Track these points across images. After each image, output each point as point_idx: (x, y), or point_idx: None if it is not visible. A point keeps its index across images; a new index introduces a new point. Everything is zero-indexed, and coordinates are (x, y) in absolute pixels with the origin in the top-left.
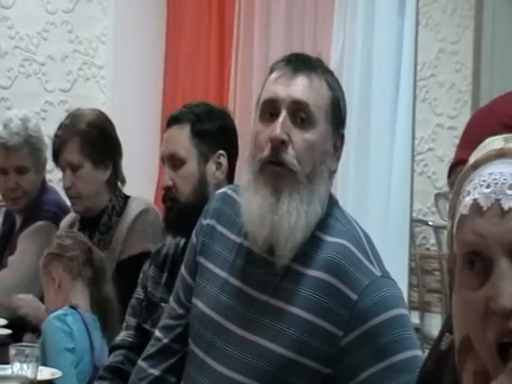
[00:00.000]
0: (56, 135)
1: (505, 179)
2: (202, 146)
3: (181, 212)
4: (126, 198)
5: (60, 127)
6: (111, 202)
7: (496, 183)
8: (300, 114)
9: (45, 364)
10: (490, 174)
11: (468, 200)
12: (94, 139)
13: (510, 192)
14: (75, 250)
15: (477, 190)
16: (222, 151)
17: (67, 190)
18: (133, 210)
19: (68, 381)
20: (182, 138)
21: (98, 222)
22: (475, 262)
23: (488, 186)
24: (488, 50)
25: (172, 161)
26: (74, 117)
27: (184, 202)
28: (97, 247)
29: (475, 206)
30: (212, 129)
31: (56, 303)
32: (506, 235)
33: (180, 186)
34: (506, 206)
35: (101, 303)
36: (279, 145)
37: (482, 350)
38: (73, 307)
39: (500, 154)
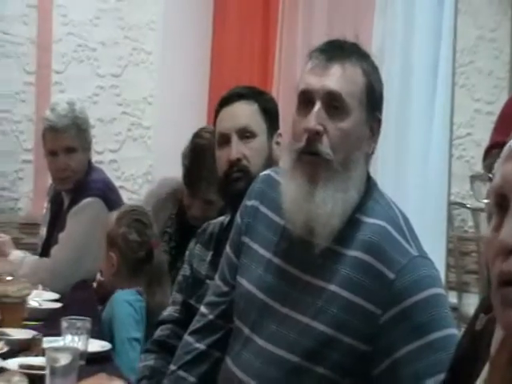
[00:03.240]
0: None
1: None
2: (269, 122)
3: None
4: None
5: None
6: None
7: None
8: (334, 103)
9: (111, 335)
10: None
11: (506, 148)
12: None
13: None
14: (138, 249)
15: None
16: (279, 131)
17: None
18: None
19: (135, 371)
20: (253, 112)
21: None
22: (503, 205)
23: (508, 144)
24: None
25: (243, 133)
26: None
27: (255, 173)
28: (159, 246)
29: (509, 151)
30: (274, 108)
31: (114, 283)
32: None
33: (252, 158)
34: None
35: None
36: (314, 136)
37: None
38: (139, 293)
39: None
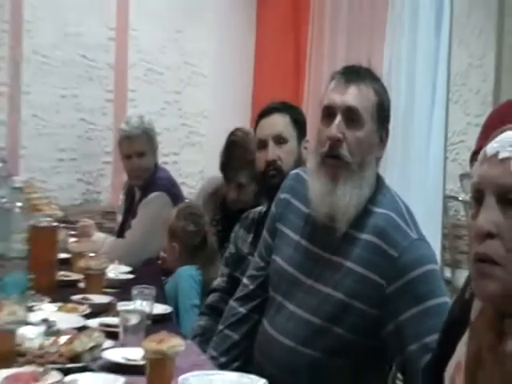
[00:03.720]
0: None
1: (503, 141)
2: (298, 131)
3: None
4: None
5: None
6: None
7: (502, 140)
8: (351, 116)
9: (175, 302)
10: (503, 136)
11: (481, 152)
12: None
13: (509, 148)
14: (195, 237)
15: (489, 144)
16: (307, 138)
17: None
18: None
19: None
20: (286, 123)
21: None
22: (479, 198)
23: (496, 142)
24: (506, 64)
25: (277, 139)
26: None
27: (287, 172)
28: (210, 232)
29: (484, 154)
30: (302, 120)
31: (177, 265)
32: (496, 179)
33: (284, 159)
34: (500, 156)
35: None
36: (335, 142)
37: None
38: (198, 268)
39: None
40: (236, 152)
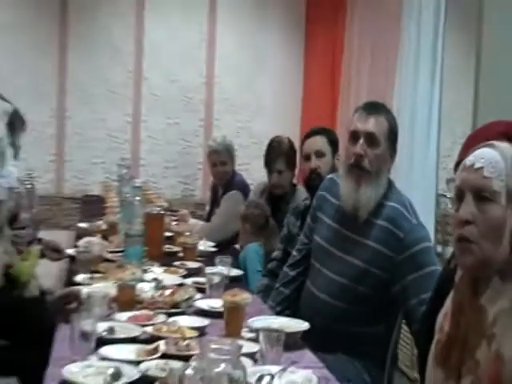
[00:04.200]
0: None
1: (483, 155)
2: (333, 147)
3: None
4: (295, 186)
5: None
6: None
7: (476, 155)
8: (371, 139)
9: (246, 269)
10: (476, 152)
11: (462, 163)
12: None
13: (481, 160)
14: (259, 219)
15: (467, 158)
16: (339, 153)
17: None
18: (298, 197)
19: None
20: (324, 142)
21: (280, 199)
22: (460, 196)
23: (472, 156)
24: (482, 101)
25: (318, 154)
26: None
27: (324, 176)
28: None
29: (464, 165)
30: (336, 139)
31: (249, 241)
32: (472, 182)
33: (323, 167)
34: (475, 166)
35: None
36: (359, 157)
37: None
38: (260, 245)
39: (487, 145)
40: (273, 149)
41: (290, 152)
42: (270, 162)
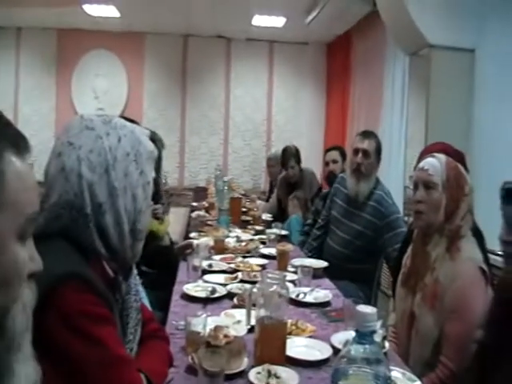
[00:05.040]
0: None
1: (428, 162)
2: (342, 157)
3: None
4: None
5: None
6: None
7: (425, 161)
8: (366, 153)
9: (290, 229)
10: (426, 160)
11: (417, 166)
12: None
13: (427, 165)
14: (301, 201)
15: (420, 163)
16: (346, 161)
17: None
18: (305, 178)
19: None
20: (337, 154)
21: (294, 184)
22: (416, 186)
23: (423, 162)
24: (432, 129)
25: (333, 161)
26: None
27: (337, 175)
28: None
29: (417, 167)
30: (344, 153)
31: (294, 211)
32: (422, 177)
33: (336, 170)
34: (424, 168)
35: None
36: (359, 165)
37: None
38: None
39: (431, 156)
40: (286, 152)
41: (296, 153)
42: (284, 161)
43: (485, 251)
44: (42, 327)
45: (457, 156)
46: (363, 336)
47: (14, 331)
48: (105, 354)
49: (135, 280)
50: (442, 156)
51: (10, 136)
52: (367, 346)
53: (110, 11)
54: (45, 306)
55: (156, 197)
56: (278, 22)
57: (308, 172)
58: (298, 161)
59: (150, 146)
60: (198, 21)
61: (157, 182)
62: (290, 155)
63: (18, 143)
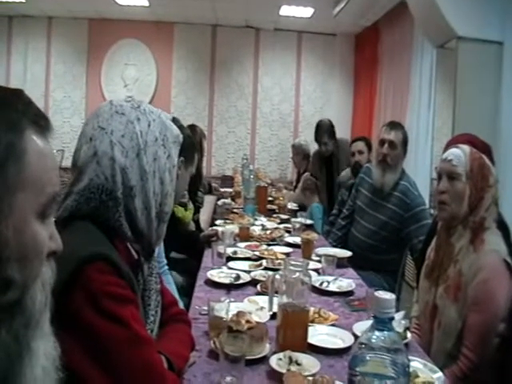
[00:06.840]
0: None
1: (452, 152)
2: (369, 148)
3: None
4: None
5: None
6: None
7: (449, 152)
8: (392, 144)
9: (313, 219)
10: (450, 150)
11: (441, 157)
12: None
13: (451, 155)
14: (311, 187)
15: (444, 153)
16: (372, 152)
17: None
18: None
19: (321, 230)
20: (364, 145)
21: (329, 157)
22: (440, 176)
23: (447, 153)
24: (458, 120)
25: (359, 152)
26: None
27: (363, 165)
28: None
29: (442, 158)
30: (370, 144)
31: (314, 200)
32: (446, 168)
33: (362, 160)
34: (448, 158)
35: None
36: (385, 155)
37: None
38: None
39: (455, 146)
40: (319, 128)
41: (331, 128)
42: (317, 137)
43: (510, 244)
44: (69, 306)
45: (483, 148)
46: (381, 322)
47: (33, 309)
48: (128, 333)
49: (156, 262)
50: (466, 147)
51: (31, 115)
52: (385, 333)
53: (139, 0)
54: (72, 285)
55: (198, 185)
56: (305, 12)
57: (343, 142)
58: (333, 136)
59: (176, 130)
60: (226, 10)
61: (199, 171)
62: (323, 131)
63: (40, 122)
